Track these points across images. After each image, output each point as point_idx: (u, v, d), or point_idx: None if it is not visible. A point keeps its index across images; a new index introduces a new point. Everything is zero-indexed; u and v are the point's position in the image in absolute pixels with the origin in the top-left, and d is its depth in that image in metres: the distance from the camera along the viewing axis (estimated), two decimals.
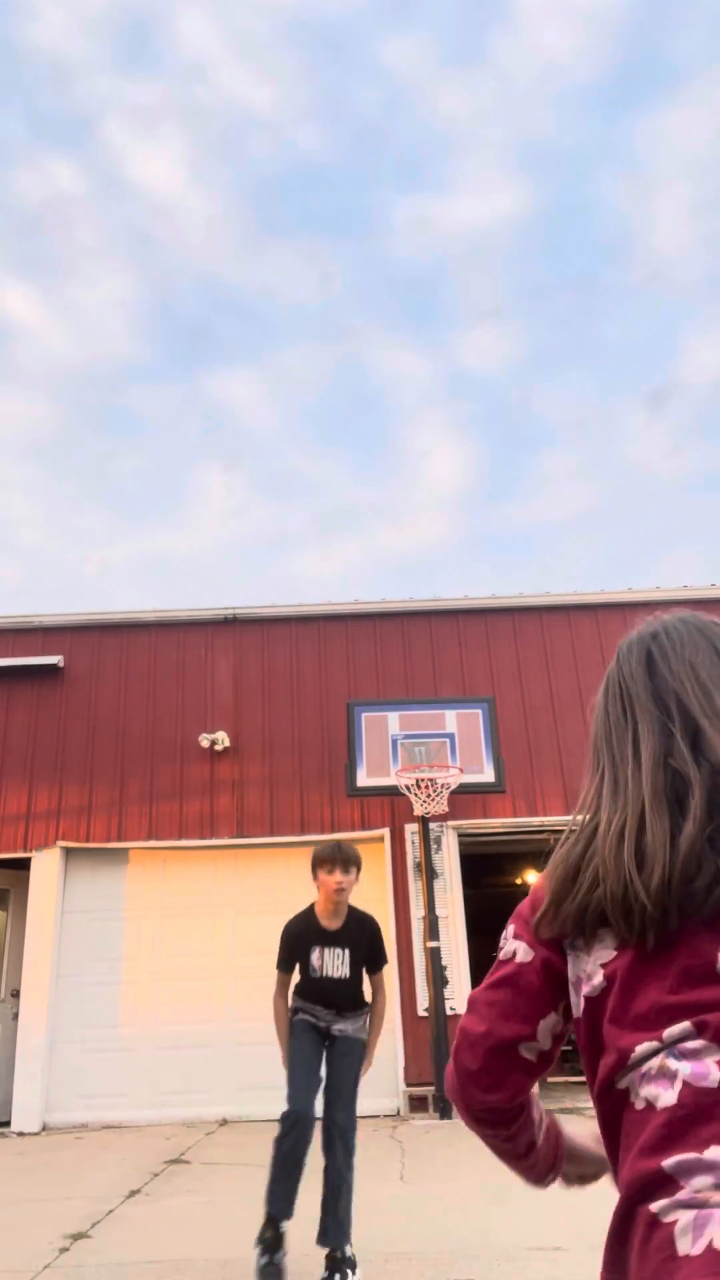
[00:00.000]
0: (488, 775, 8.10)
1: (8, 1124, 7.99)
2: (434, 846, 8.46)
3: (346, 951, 3.81)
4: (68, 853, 8.80)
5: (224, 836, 8.80)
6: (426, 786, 7.80)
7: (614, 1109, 0.91)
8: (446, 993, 7.92)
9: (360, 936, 3.87)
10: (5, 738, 9.25)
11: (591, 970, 0.95)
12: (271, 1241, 3.40)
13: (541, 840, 9.49)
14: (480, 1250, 3.76)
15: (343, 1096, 3.67)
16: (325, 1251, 3.42)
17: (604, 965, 0.94)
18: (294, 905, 9.06)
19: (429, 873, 7.94)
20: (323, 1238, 3.44)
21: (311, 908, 3.92)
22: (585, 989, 0.95)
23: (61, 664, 9.45)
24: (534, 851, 10.80)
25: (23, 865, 8.81)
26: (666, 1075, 0.85)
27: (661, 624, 1.11)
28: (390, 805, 8.66)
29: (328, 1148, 3.57)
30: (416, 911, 8.27)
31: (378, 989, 3.93)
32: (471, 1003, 1.03)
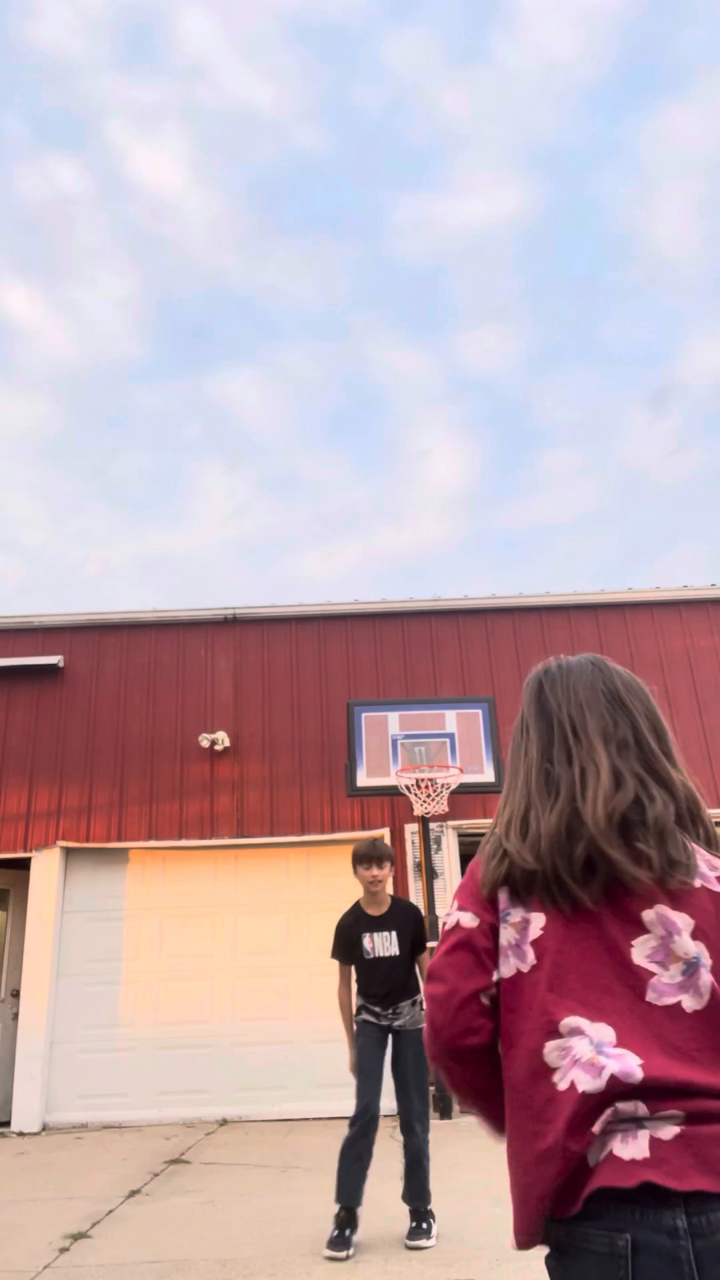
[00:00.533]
0: (488, 775, 8.09)
1: (8, 1124, 7.99)
2: (434, 846, 8.46)
3: (394, 933, 4.32)
4: (68, 853, 8.80)
5: (224, 836, 8.80)
6: (426, 786, 7.80)
7: (534, 1077, 1.10)
8: None
9: (405, 920, 4.39)
10: (5, 738, 9.25)
11: (523, 945, 1.16)
12: (345, 1219, 3.85)
13: None
14: (480, 1250, 3.76)
15: (412, 1086, 4.16)
16: (409, 1209, 4.01)
17: (534, 943, 1.15)
18: (294, 905, 9.01)
19: (429, 873, 7.94)
20: (406, 1197, 4.03)
21: (358, 903, 4.44)
22: (514, 959, 1.16)
23: (61, 664, 9.45)
24: None
25: (23, 865, 8.81)
26: (595, 1067, 1.04)
27: (559, 659, 1.42)
28: (390, 805, 8.66)
29: (405, 1129, 4.10)
30: None
31: (423, 969, 4.33)
32: (433, 970, 1.22)
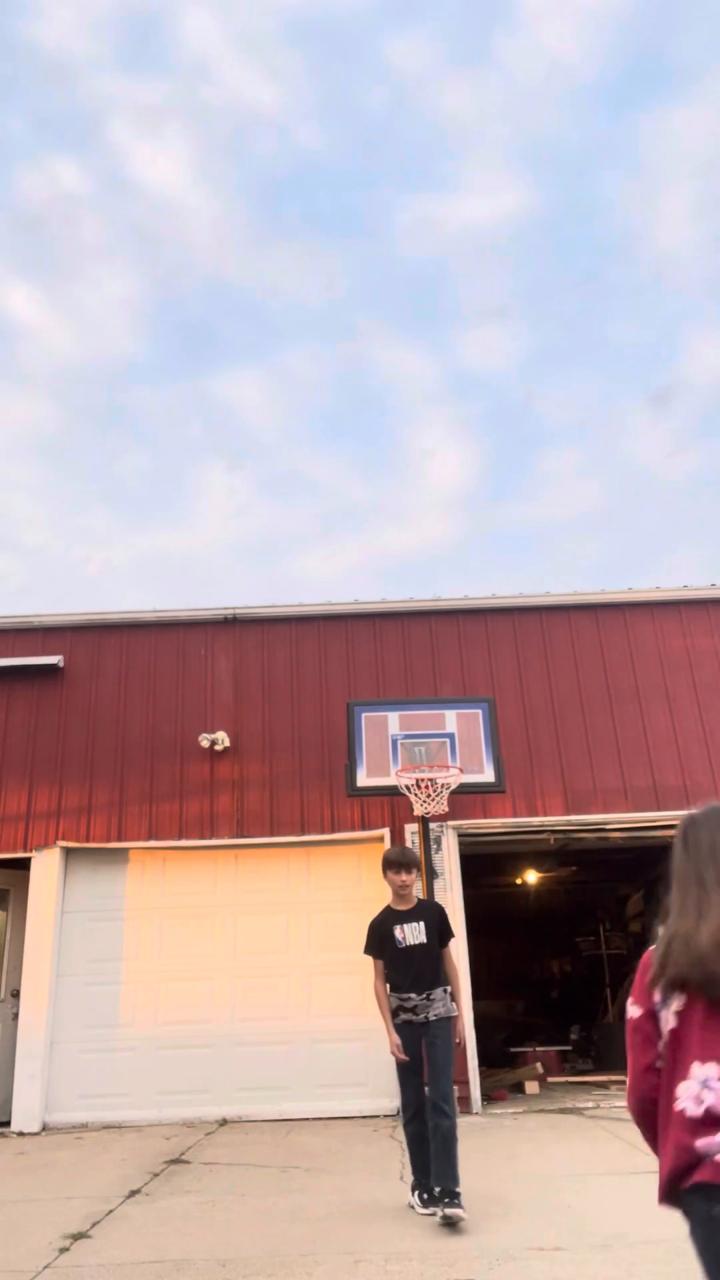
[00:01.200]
0: (488, 775, 8.08)
1: (8, 1124, 7.99)
2: (434, 846, 8.46)
3: (421, 924, 4.80)
4: (68, 853, 8.80)
5: (224, 836, 8.80)
6: (426, 786, 7.80)
7: (670, 1103, 1.68)
8: None
9: (431, 913, 4.89)
10: (5, 738, 9.25)
11: (668, 1018, 1.71)
12: (426, 1191, 4.42)
13: (541, 840, 9.48)
14: (480, 1250, 3.76)
15: (441, 1071, 4.56)
16: (439, 1187, 4.32)
17: (678, 1013, 1.69)
18: (294, 905, 9.02)
19: (429, 873, 7.93)
20: (437, 1178, 4.33)
21: (388, 904, 4.95)
22: (667, 1031, 1.71)
23: (61, 664, 9.45)
24: (534, 851, 10.80)
25: (23, 865, 8.81)
26: (698, 1100, 1.61)
27: (709, 805, 1.91)
28: (390, 805, 8.66)
29: (435, 1112, 4.47)
30: None
31: (447, 959, 4.86)
32: (627, 1047, 1.81)
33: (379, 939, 4.82)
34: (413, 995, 4.67)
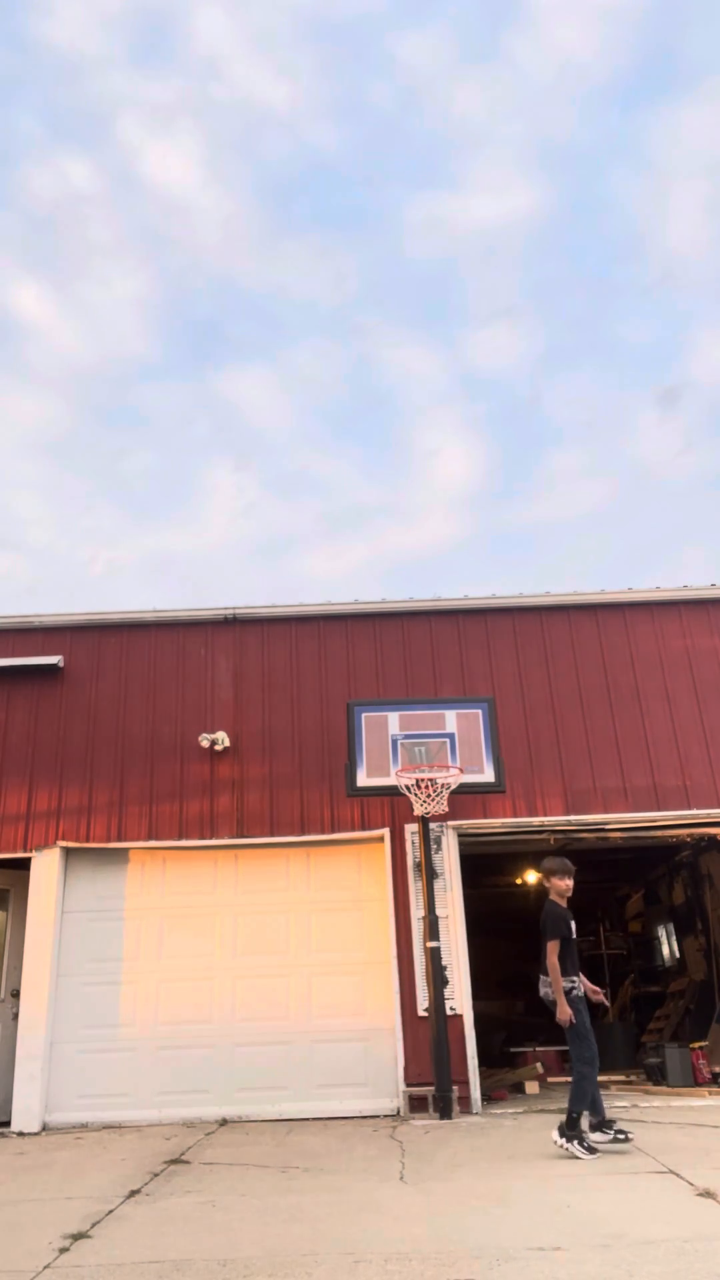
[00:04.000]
0: (488, 775, 8.09)
1: (8, 1124, 7.99)
2: (434, 846, 8.46)
3: (573, 923, 5.88)
4: (68, 853, 8.80)
5: (224, 836, 8.81)
6: (426, 786, 7.80)
7: None
8: (447, 993, 7.91)
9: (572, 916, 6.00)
10: (5, 738, 9.25)
11: None
12: (582, 1129, 5.52)
13: (541, 840, 9.48)
14: (480, 1250, 3.76)
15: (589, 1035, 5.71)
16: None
17: None
18: (294, 905, 8.99)
19: (429, 873, 7.94)
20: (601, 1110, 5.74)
21: (553, 900, 5.90)
22: None
23: (61, 664, 9.45)
24: (534, 851, 10.80)
25: (23, 865, 8.81)
26: None
27: None
28: (390, 805, 8.66)
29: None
30: (416, 911, 8.27)
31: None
32: None
33: (566, 926, 5.71)
34: (575, 979, 5.70)
